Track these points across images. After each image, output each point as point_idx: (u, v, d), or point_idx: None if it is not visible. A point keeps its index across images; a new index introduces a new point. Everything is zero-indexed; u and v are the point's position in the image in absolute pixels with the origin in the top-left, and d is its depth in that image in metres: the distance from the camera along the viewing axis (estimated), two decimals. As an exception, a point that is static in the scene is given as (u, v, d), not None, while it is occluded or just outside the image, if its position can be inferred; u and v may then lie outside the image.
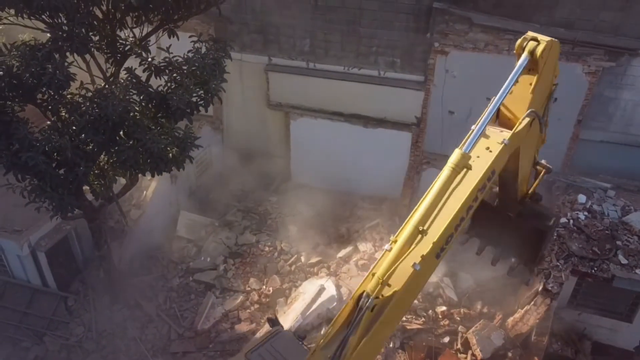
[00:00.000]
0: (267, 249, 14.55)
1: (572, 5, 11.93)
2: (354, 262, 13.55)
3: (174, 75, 9.41)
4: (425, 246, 5.06)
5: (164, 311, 13.00)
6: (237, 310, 12.91)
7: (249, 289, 13.46)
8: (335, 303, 12.37)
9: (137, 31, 9.79)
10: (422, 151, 14.80)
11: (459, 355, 11.18)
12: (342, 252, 14.02)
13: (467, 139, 5.34)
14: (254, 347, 8.77)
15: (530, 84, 5.86)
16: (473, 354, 11.05)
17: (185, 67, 9.40)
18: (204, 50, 9.67)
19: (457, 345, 11.42)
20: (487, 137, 5.62)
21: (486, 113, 5.47)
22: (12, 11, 8.69)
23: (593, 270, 11.19)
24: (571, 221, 12.13)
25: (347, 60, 14.35)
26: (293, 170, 16.61)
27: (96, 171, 10.09)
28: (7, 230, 11.74)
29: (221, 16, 10.92)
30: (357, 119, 14.92)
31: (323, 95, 14.92)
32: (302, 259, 14.10)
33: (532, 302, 11.60)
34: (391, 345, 11.20)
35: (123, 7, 9.08)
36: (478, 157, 5.47)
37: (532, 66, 5.80)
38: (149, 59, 9.36)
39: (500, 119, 6.01)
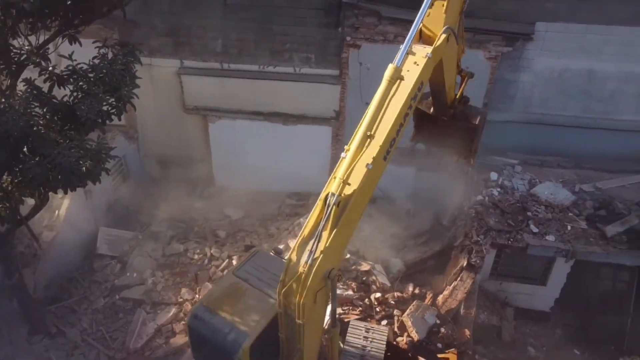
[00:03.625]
0: (196, 256, 14.13)
1: (462, -4, 12.66)
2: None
3: (80, 83, 8.82)
4: (374, 149, 6.09)
5: (90, 335, 12.23)
6: (171, 324, 12.43)
7: (182, 299, 13.00)
8: (272, 303, 12.30)
9: (32, 39, 9.07)
10: (343, 144, 15.01)
11: (397, 339, 11.54)
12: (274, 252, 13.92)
13: (397, 56, 6.38)
14: (237, 267, 9.47)
15: (443, 5, 6.88)
16: (409, 336, 11.46)
17: (92, 75, 8.84)
18: (110, 55, 9.17)
19: (394, 328, 11.78)
20: (413, 53, 6.70)
21: (410, 33, 6.58)
22: None
23: (509, 242, 12.04)
24: (487, 198, 12.95)
25: (262, 59, 14.23)
26: (216, 174, 16.25)
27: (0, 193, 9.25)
28: None
29: (126, 20, 10.38)
30: (277, 116, 14.88)
31: (240, 95, 14.70)
32: (234, 262, 13.86)
33: (459, 278, 12.27)
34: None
35: (14, 13, 8.36)
36: (408, 70, 6.55)
37: None
38: (50, 68, 8.72)
39: (423, 39, 7.09)
